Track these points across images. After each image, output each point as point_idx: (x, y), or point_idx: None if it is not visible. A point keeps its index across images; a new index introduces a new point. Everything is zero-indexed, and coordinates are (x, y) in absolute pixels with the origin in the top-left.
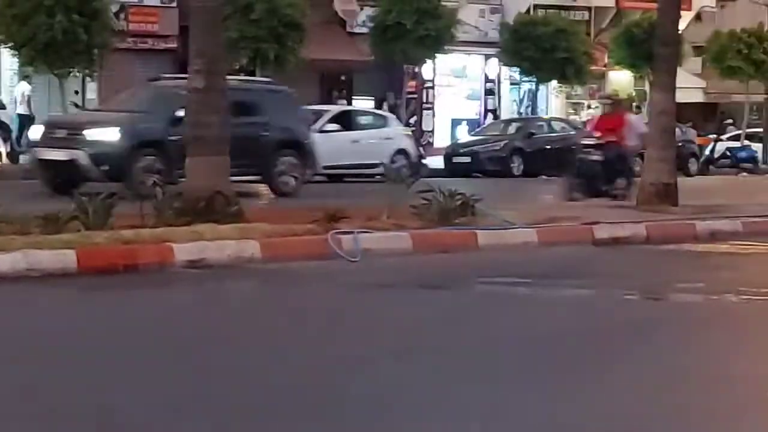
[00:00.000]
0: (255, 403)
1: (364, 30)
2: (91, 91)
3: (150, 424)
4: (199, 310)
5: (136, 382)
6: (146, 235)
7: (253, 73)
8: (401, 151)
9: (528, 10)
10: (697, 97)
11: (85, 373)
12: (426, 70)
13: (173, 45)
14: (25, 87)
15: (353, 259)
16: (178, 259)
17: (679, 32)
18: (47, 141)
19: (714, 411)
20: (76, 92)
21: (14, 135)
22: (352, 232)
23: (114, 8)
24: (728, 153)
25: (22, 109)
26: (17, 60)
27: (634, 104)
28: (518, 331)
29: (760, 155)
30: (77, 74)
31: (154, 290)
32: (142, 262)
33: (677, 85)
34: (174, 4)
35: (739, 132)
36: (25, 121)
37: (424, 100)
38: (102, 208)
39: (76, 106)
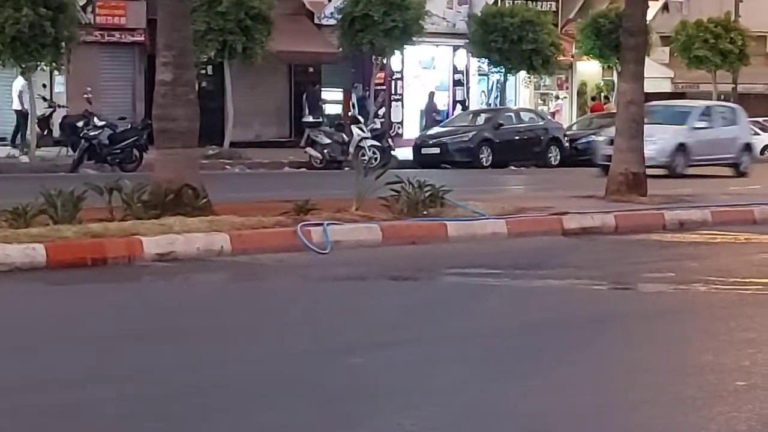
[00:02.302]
0: (223, 396)
1: (332, 22)
2: (59, 85)
3: (117, 418)
4: (167, 303)
5: (103, 376)
6: (115, 229)
7: (220, 66)
8: None
9: (495, 1)
10: (665, 87)
11: (53, 368)
12: (394, 61)
13: (141, 38)
14: (20, 82)
15: (323, 251)
16: (147, 252)
17: (647, 22)
18: None
19: (683, 400)
20: (44, 86)
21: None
22: (321, 224)
23: (81, 1)
24: None
25: (17, 105)
26: None
27: (602, 94)
28: (488, 322)
29: None
30: (45, 68)
31: (122, 284)
32: (110, 255)
33: (645, 75)
34: None
35: None
36: (20, 117)
37: (393, 92)
38: (70, 201)
39: (45, 99)
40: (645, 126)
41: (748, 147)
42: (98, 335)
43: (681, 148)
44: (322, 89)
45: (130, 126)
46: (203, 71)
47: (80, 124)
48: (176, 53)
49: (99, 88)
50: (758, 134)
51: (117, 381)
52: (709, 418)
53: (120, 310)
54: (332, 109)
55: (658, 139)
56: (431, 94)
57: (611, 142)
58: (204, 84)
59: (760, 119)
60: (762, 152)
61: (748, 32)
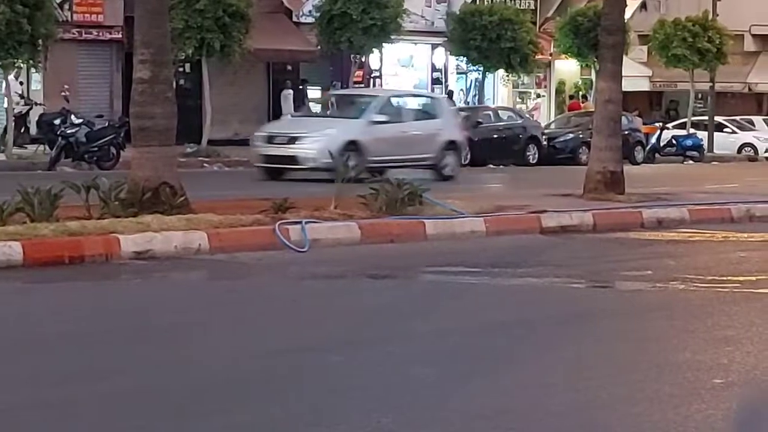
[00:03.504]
0: (199, 394)
1: (310, 20)
2: (36, 82)
3: (93, 416)
4: (144, 302)
5: (80, 374)
6: (92, 227)
7: (198, 64)
8: None
9: (474, 0)
10: (643, 86)
11: (29, 367)
12: (373, 59)
13: (118, 35)
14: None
15: (301, 250)
16: (125, 250)
17: (625, 21)
18: None
19: (660, 398)
20: (21, 83)
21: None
22: (299, 223)
23: None
24: (674, 141)
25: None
26: None
27: (580, 93)
28: (466, 320)
29: (705, 143)
30: (21, 65)
31: (100, 282)
32: (88, 253)
33: (623, 74)
34: None
35: (685, 120)
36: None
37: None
38: (47, 199)
39: (21, 97)
40: (312, 120)
41: (453, 145)
42: (75, 334)
43: (352, 146)
44: (300, 87)
45: (107, 124)
46: (181, 69)
47: (57, 121)
48: (154, 51)
49: (76, 86)
50: (735, 133)
51: (93, 379)
52: (687, 416)
53: (97, 309)
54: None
55: (322, 136)
56: (450, 93)
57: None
58: (182, 82)
59: (737, 118)
60: (739, 151)
61: (725, 31)
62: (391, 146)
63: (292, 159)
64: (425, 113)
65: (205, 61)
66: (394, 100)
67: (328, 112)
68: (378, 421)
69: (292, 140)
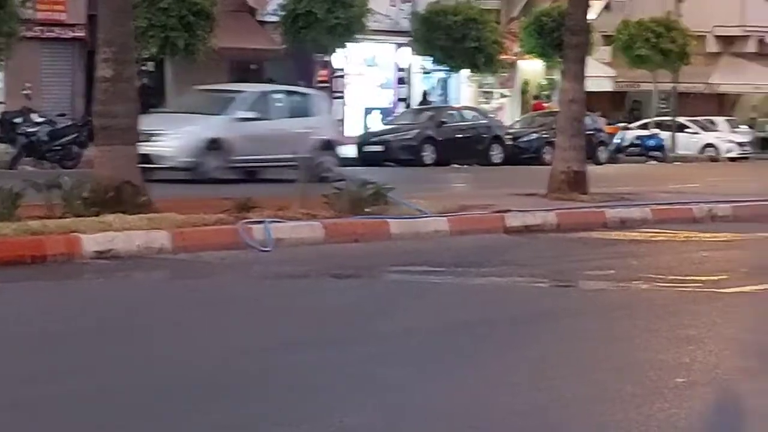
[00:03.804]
0: (160, 395)
1: (275, 18)
2: None
3: (51, 417)
4: (106, 301)
5: (39, 374)
6: (54, 226)
7: (162, 62)
8: None
9: (438, 0)
10: (607, 86)
11: None
12: (337, 58)
13: (81, 34)
14: None
15: (265, 249)
16: (87, 250)
17: (589, 21)
18: None
19: (623, 397)
20: None
21: None
22: (263, 222)
23: None
24: (637, 141)
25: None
26: None
27: (544, 93)
28: (429, 320)
29: (668, 143)
30: None
31: (62, 282)
32: (50, 253)
33: (587, 74)
34: None
35: (648, 120)
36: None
37: (336, 89)
38: (9, 198)
39: None
40: (173, 116)
41: (329, 145)
42: (37, 334)
43: (214, 145)
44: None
45: (69, 122)
46: (144, 68)
47: (19, 120)
48: (117, 49)
49: (38, 84)
50: (697, 133)
51: (57, 380)
52: (649, 415)
53: (59, 308)
54: None
55: (181, 134)
56: (424, 93)
57: None
58: (145, 81)
59: (700, 118)
60: (701, 151)
61: (688, 32)
62: (258, 145)
63: (147, 158)
64: (298, 111)
65: (169, 59)
66: (262, 96)
67: (192, 109)
68: (341, 420)
69: (149, 137)
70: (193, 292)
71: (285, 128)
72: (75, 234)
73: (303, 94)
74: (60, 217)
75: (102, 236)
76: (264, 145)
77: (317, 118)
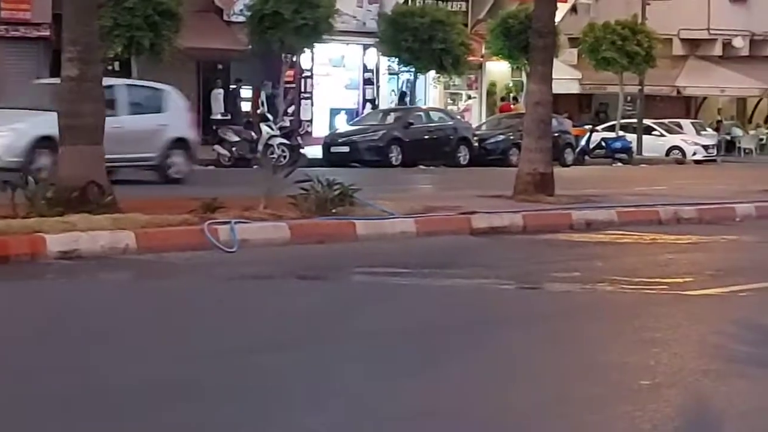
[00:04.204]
0: (121, 397)
1: (242, 19)
2: None
3: (10, 418)
4: (69, 302)
5: (2, 375)
6: (18, 226)
7: (128, 62)
8: None
9: (406, 1)
10: (573, 89)
11: None
12: (304, 59)
13: (46, 33)
14: None
15: (230, 250)
16: (51, 250)
17: (555, 24)
18: None
19: (588, 400)
20: None
21: None
22: (228, 223)
23: None
24: (603, 143)
25: None
26: None
27: (511, 95)
28: (395, 321)
29: (634, 146)
30: None
31: (25, 282)
32: (13, 253)
33: (553, 77)
34: None
35: (614, 123)
36: None
37: (302, 90)
38: None
39: None
40: (3, 113)
41: (182, 143)
42: None
43: (46, 143)
44: (231, 86)
45: None
46: (110, 67)
47: None
48: (82, 49)
49: (2, 84)
50: (663, 135)
51: (17, 381)
52: (614, 417)
53: (21, 309)
54: (242, 107)
55: (9, 131)
56: (402, 94)
57: None
58: None
59: (666, 121)
60: (667, 154)
61: (654, 35)
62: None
63: None
64: (147, 106)
65: (135, 59)
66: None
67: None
68: (303, 422)
69: None
70: (157, 292)
71: (131, 125)
72: (39, 234)
73: (153, 89)
74: (24, 217)
75: (66, 236)
76: (107, 143)
77: (168, 114)
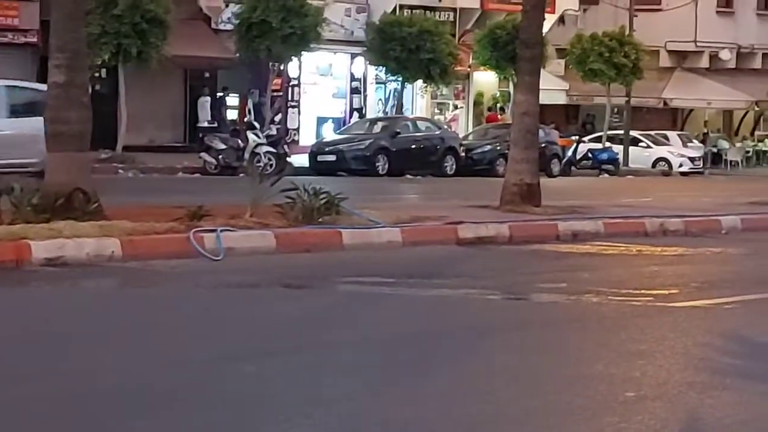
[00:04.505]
0: (104, 404)
1: (229, 27)
2: None
3: None
4: (54, 309)
5: None
6: (3, 232)
7: (115, 69)
8: None
9: (394, 10)
10: (560, 99)
11: None
12: (291, 67)
13: (33, 39)
14: None
15: (216, 258)
16: (36, 256)
17: (543, 34)
18: None
19: (573, 411)
20: None
21: None
22: (214, 231)
23: None
24: (590, 154)
25: None
26: None
27: (498, 105)
28: (380, 331)
29: (620, 157)
30: None
31: (9, 288)
32: None
33: (540, 87)
34: None
35: (601, 134)
36: None
37: (290, 98)
38: None
39: None
40: None
41: None
42: None
43: None
44: (218, 94)
45: None
46: (97, 74)
47: None
48: (69, 55)
49: None
50: (650, 147)
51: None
52: (599, 429)
53: (5, 316)
54: (228, 115)
55: None
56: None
57: None
58: (98, 87)
59: (652, 133)
60: (654, 165)
61: (641, 46)
62: None
63: None
64: (28, 109)
65: (122, 66)
66: None
67: None
68: (288, 430)
69: None
70: (142, 300)
71: (10, 129)
72: (24, 240)
73: (36, 91)
74: (9, 224)
75: (52, 243)
76: None
77: None
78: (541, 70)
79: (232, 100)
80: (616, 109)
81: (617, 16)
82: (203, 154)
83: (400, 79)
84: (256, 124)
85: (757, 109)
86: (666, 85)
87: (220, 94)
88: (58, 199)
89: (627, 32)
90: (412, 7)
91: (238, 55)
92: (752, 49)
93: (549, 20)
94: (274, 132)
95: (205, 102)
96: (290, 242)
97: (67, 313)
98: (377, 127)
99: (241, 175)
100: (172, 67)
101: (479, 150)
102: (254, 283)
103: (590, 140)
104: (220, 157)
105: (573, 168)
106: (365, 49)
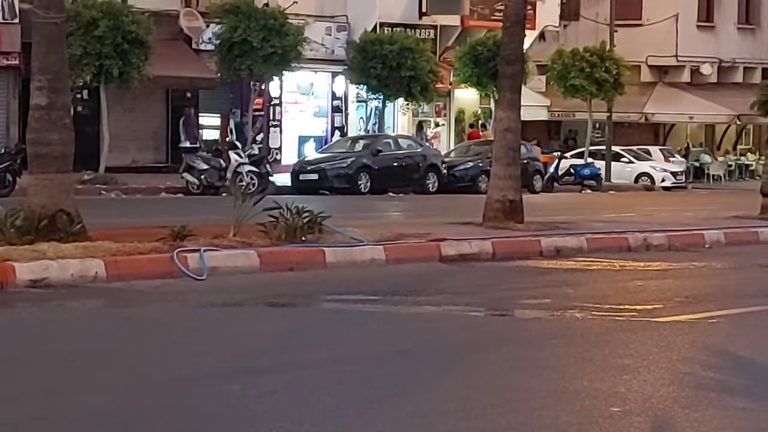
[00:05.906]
0: (91, 425)
1: (210, 47)
2: None
3: None
4: (39, 330)
5: None
6: None
7: (97, 90)
8: None
9: (374, 28)
10: (542, 115)
11: None
12: (273, 87)
13: (15, 61)
14: None
15: (199, 278)
16: (20, 278)
17: (524, 51)
18: None
19: (558, 426)
20: None
21: None
22: (198, 250)
23: None
24: (572, 170)
25: None
26: None
27: (480, 122)
28: (364, 348)
29: (602, 172)
30: None
31: None
32: None
33: (522, 103)
34: (16, 21)
35: (583, 149)
36: None
37: (271, 117)
38: None
39: None
40: None
41: None
42: None
43: None
44: (200, 114)
45: (3, 150)
46: (79, 95)
47: None
48: (51, 77)
49: None
50: (632, 162)
51: None
52: None
53: None
54: (210, 135)
55: None
56: (419, 124)
57: None
58: (80, 108)
59: (634, 148)
60: (636, 180)
61: (622, 62)
62: None
63: None
64: None
65: (104, 87)
66: None
67: None
68: None
69: None
70: (127, 320)
71: None
72: (8, 262)
73: None
74: None
75: (36, 265)
76: None
77: None
78: (523, 87)
79: (213, 119)
80: (597, 125)
81: (598, 32)
82: (185, 174)
83: (381, 97)
84: (238, 144)
85: (739, 123)
86: (647, 100)
87: (183, 115)
88: (41, 220)
89: (608, 47)
90: (392, 25)
91: (219, 74)
92: (733, 63)
93: (530, 36)
94: (256, 151)
95: (182, 121)
96: (274, 261)
97: (52, 334)
98: (359, 146)
99: (224, 194)
100: (153, 88)
101: (461, 167)
102: (238, 302)
103: (572, 156)
104: (203, 177)
105: (555, 184)
106: (346, 67)
